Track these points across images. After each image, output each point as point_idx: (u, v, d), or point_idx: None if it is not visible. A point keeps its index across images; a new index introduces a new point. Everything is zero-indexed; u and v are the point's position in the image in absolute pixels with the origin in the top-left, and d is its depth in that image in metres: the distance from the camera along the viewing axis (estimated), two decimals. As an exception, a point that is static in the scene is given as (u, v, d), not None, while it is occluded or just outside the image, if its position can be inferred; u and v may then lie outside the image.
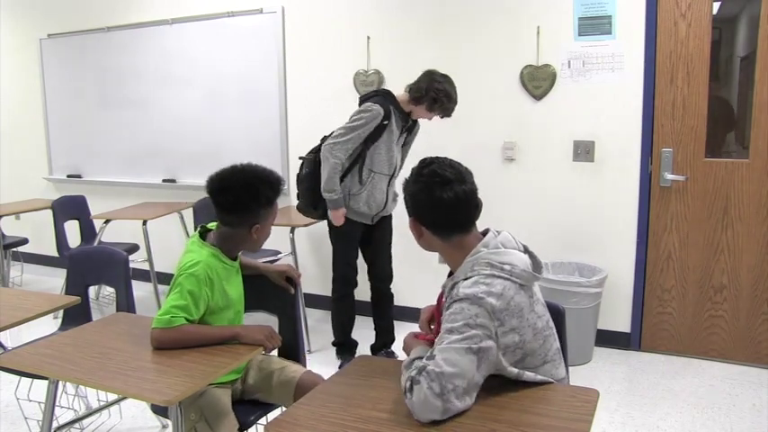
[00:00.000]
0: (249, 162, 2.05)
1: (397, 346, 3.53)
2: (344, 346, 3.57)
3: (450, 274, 1.68)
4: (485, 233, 1.66)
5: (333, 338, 3.59)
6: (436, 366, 1.42)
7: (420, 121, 3.35)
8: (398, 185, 3.28)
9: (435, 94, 3.07)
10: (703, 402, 3.04)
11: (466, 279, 1.55)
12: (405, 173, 1.79)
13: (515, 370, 1.54)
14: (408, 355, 1.63)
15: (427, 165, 1.65)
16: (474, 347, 1.44)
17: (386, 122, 3.14)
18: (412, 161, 3.40)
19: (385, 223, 3.40)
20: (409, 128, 3.31)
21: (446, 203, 1.60)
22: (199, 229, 2.12)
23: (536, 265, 1.62)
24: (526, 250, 1.66)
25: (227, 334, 1.93)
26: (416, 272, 3.96)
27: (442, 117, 3.20)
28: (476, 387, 1.46)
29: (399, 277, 3.63)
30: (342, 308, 3.50)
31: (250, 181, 1.99)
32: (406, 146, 3.41)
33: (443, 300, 1.65)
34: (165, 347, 1.86)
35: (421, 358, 1.53)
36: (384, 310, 3.53)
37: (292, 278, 2.22)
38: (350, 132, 3.11)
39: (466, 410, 1.44)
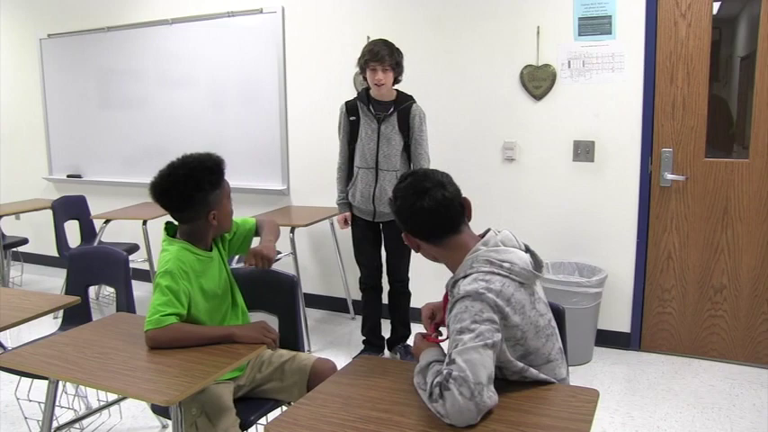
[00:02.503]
0: (184, 155, 2.02)
1: (412, 342, 3.53)
2: (368, 343, 3.61)
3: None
4: (485, 233, 1.68)
5: (333, 338, 3.61)
6: (460, 371, 1.41)
7: (417, 111, 3.30)
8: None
9: (360, 55, 3.27)
10: (703, 402, 3.04)
11: (465, 277, 1.57)
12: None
13: (520, 364, 1.55)
14: (418, 356, 1.64)
15: (404, 179, 1.72)
16: (489, 342, 1.45)
17: (353, 118, 3.33)
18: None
19: (393, 225, 3.37)
20: (389, 116, 3.25)
21: (427, 210, 1.63)
22: (164, 226, 2.10)
23: (537, 263, 1.63)
24: (527, 249, 1.67)
25: (222, 334, 1.93)
26: (425, 273, 3.96)
27: (390, 71, 3.20)
28: (492, 381, 1.46)
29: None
30: (363, 302, 3.59)
31: (188, 174, 1.97)
32: (408, 138, 3.31)
33: (448, 298, 1.66)
34: (161, 347, 1.86)
35: (438, 361, 1.54)
36: (396, 306, 3.55)
37: (260, 256, 2.11)
38: (339, 136, 3.41)
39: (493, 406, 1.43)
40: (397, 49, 3.26)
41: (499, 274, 1.54)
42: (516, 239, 1.67)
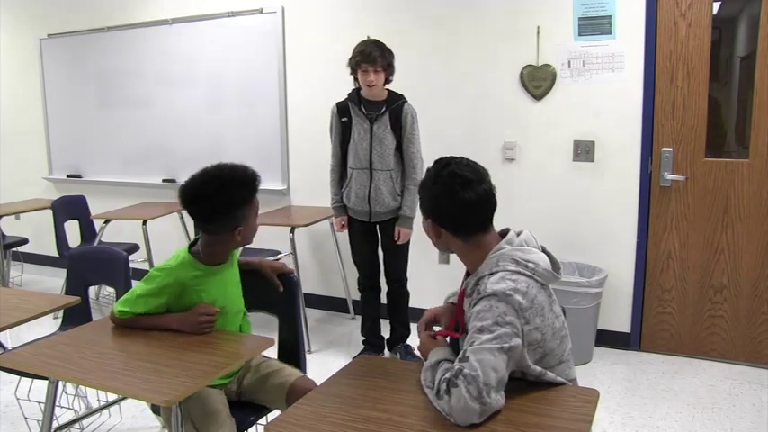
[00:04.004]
0: (220, 163, 1.99)
1: (412, 342, 3.55)
2: (368, 343, 3.61)
3: (468, 274, 1.68)
4: (504, 233, 1.67)
5: (333, 338, 3.62)
6: (471, 369, 1.40)
7: (409, 111, 3.30)
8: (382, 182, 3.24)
9: (351, 56, 3.27)
10: (703, 402, 3.04)
11: (491, 274, 1.55)
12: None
13: (538, 368, 1.54)
14: (426, 355, 1.63)
15: (445, 166, 1.64)
16: (505, 347, 1.44)
17: (344, 119, 3.32)
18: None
19: (391, 225, 3.39)
20: (381, 116, 3.25)
21: (469, 205, 1.59)
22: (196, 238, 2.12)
23: (554, 265, 1.63)
24: (544, 250, 1.66)
25: (166, 327, 1.98)
26: (424, 273, 3.96)
27: (381, 72, 3.20)
28: (503, 385, 1.45)
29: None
30: (362, 302, 3.60)
31: (222, 185, 1.94)
32: (401, 137, 3.29)
33: (465, 296, 1.65)
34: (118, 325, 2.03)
35: (448, 360, 1.53)
36: (395, 306, 3.55)
37: (285, 274, 2.22)
38: (330, 138, 3.42)
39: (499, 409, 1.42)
40: (389, 49, 3.25)
41: (524, 275, 1.54)
42: (535, 240, 1.67)
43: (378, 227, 3.44)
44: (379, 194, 3.30)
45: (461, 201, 1.59)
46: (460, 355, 1.47)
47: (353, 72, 3.27)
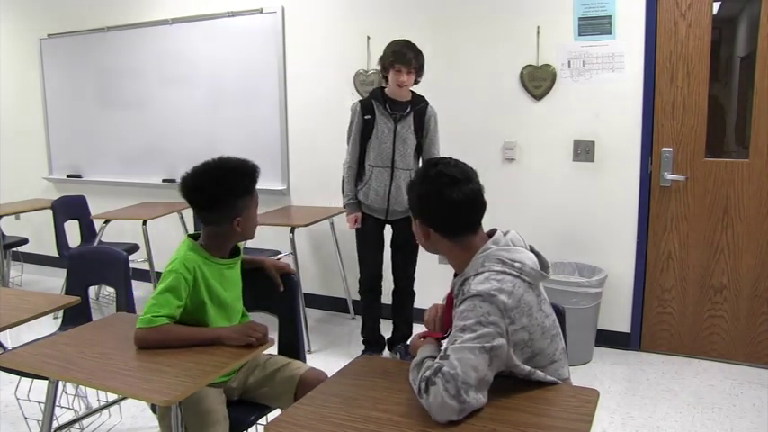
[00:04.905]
0: (221, 156, 2.03)
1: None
2: (368, 343, 3.61)
3: (456, 274, 1.68)
4: (491, 233, 1.67)
5: (333, 338, 3.61)
6: (451, 368, 1.41)
7: (432, 113, 3.34)
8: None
9: (383, 55, 3.27)
10: (703, 402, 3.04)
11: (477, 275, 1.55)
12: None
13: (527, 368, 1.54)
14: (416, 355, 1.63)
15: (433, 165, 1.66)
16: (487, 346, 1.44)
17: (368, 117, 3.31)
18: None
19: (405, 224, 3.40)
20: (405, 116, 3.28)
21: (456, 204, 1.60)
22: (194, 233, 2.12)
23: (543, 264, 1.62)
24: (532, 249, 1.66)
25: (210, 336, 1.91)
26: (428, 274, 3.96)
27: (413, 73, 3.22)
28: (487, 384, 1.46)
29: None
30: (363, 303, 3.59)
31: (222, 175, 1.98)
32: (422, 137, 3.35)
33: (452, 297, 1.65)
34: (148, 347, 1.86)
35: (432, 357, 1.53)
36: (401, 305, 3.56)
37: (288, 275, 2.23)
38: (348, 135, 3.39)
39: (480, 408, 1.43)
40: (420, 51, 3.27)
41: (511, 274, 1.54)
42: (522, 240, 1.67)
43: (391, 225, 3.46)
44: (399, 193, 3.32)
45: (448, 200, 1.60)
46: (441, 353, 1.47)
47: (384, 71, 3.28)
